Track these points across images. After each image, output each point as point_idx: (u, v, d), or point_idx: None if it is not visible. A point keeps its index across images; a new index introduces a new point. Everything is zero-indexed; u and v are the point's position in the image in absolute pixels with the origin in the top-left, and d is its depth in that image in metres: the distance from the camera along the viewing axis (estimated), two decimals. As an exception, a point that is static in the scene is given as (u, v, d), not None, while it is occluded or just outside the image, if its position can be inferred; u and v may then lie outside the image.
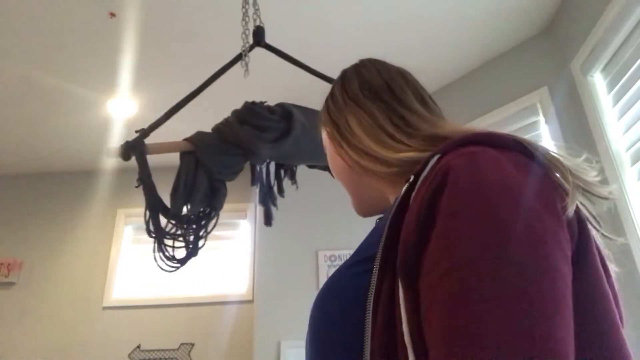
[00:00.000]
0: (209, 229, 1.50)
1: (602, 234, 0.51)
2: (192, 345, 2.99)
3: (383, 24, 2.32)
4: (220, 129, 1.48)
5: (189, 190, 1.41)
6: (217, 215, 1.51)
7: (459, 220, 0.39)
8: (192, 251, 1.46)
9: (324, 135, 0.77)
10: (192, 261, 1.53)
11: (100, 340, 3.00)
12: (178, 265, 1.45)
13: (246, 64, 1.62)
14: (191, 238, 1.46)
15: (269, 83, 2.42)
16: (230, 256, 3.28)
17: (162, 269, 1.44)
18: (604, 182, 0.49)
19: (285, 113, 1.50)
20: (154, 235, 1.42)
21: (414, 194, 0.46)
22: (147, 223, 1.43)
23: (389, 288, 0.44)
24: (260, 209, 3.05)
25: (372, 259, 0.49)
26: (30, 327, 3.04)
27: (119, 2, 2.12)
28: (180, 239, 1.45)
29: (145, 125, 1.53)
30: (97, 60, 2.46)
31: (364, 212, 0.77)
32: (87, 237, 3.33)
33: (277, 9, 2.18)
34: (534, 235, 0.38)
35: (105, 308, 3.11)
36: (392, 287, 0.44)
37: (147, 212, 1.43)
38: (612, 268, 0.50)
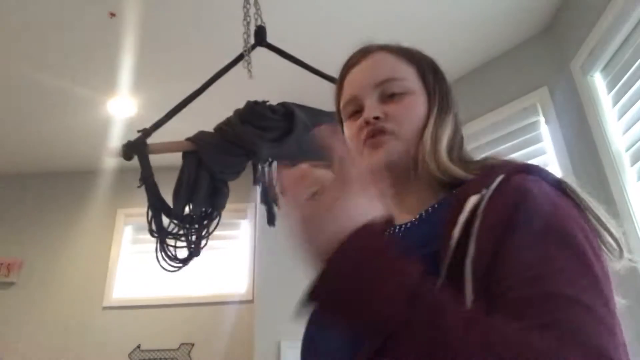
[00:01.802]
0: (211, 228, 1.49)
1: None
2: (192, 345, 2.99)
3: (382, 24, 2.32)
4: (223, 129, 1.48)
5: (190, 190, 1.41)
6: (219, 215, 1.51)
7: (543, 238, 0.49)
8: (195, 251, 1.46)
9: (399, 84, 0.71)
10: (193, 261, 1.52)
11: (100, 340, 2.99)
12: (180, 265, 1.45)
13: (248, 64, 1.62)
14: (193, 238, 1.46)
15: (269, 83, 2.42)
16: (230, 256, 3.27)
17: (164, 269, 1.43)
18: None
19: (287, 112, 1.50)
20: (156, 235, 1.42)
21: (483, 205, 0.52)
22: (149, 223, 1.43)
23: (456, 289, 0.48)
24: (260, 209, 3.05)
25: (432, 259, 0.52)
26: (30, 327, 3.04)
27: (119, 2, 2.12)
28: (183, 238, 1.45)
29: (145, 125, 1.53)
30: (97, 60, 2.46)
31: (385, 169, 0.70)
32: (87, 237, 3.33)
33: (277, 10, 2.18)
34: (593, 250, 0.50)
35: (105, 308, 3.11)
36: (459, 288, 0.49)
37: (150, 212, 1.43)
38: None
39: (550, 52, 2.30)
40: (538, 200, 0.52)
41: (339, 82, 0.78)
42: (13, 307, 3.10)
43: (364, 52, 0.75)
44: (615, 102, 1.90)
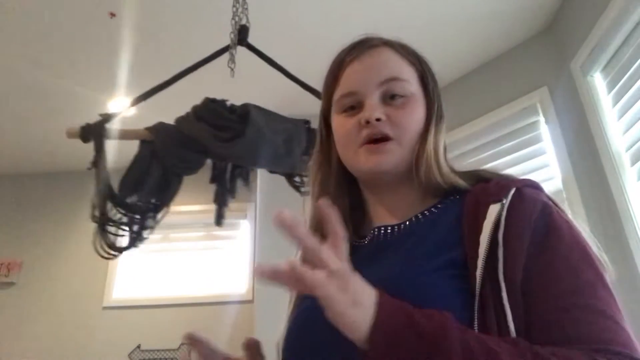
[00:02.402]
0: (157, 220, 1.47)
1: None
2: (192, 345, 2.99)
3: (382, 24, 2.30)
4: (180, 123, 1.46)
5: (139, 179, 1.39)
6: (168, 208, 1.48)
7: (569, 254, 0.54)
8: (134, 241, 1.44)
9: (403, 85, 0.69)
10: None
11: (100, 340, 2.99)
12: (116, 253, 1.43)
13: (232, 61, 1.60)
14: (135, 228, 1.44)
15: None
16: (230, 256, 3.27)
17: (98, 254, 1.40)
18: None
19: (244, 114, 1.45)
20: (97, 220, 1.40)
21: (504, 214, 0.55)
22: (92, 207, 1.41)
23: (492, 292, 0.52)
24: (260, 209, 3.05)
25: (457, 264, 0.55)
26: (30, 327, 3.04)
27: (119, 2, 2.12)
28: (125, 227, 1.42)
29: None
30: (97, 60, 2.46)
31: (381, 172, 0.69)
32: (87, 237, 3.31)
33: (275, 10, 2.18)
34: (598, 260, 0.56)
35: (105, 308, 3.11)
36: (495, 291, 0.52)
37: (95, 197, 1.41)
38: None
39: (550, 52, 2.30)
40: (556, 214, 0.58)
41: (334, 72, 0.74)
42: (13, 307, 3.09)
43: (367, 46, 0.72)
44: (615, 102, 1.90)
